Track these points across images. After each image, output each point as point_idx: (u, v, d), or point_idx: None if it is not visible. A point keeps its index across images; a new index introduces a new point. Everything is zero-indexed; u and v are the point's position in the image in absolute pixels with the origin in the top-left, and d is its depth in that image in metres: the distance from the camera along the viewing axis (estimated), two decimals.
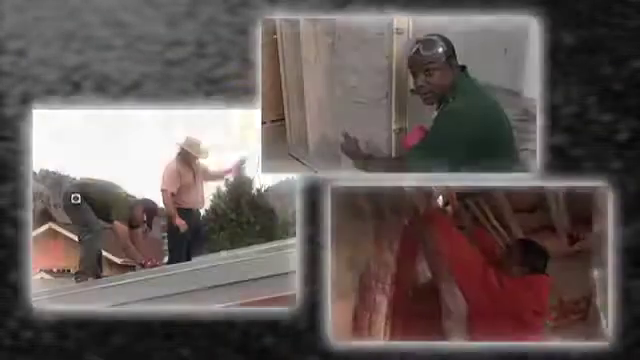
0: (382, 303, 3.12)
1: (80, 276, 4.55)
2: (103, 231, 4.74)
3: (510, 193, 3.25)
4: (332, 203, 3.04)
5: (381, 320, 3.10)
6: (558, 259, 3.23)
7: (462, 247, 3.15)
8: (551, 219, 3.31)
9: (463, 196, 3.31)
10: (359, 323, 3.09)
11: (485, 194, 3.31)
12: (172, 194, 4.81)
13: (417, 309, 3.24)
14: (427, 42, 3.07)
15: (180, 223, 4.78)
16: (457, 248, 3.15)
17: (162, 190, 4.84)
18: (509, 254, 3.23)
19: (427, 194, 3.21)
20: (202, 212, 5.18)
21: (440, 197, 3.27)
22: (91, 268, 4.60)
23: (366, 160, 3.23)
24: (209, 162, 4.98)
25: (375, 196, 3.12)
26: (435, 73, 3.07)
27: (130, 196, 4.78)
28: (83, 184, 4.74)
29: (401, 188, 3.13)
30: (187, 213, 4.96)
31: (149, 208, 4.80)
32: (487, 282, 3.07)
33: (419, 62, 3.08)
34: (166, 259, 4.92)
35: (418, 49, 3.07)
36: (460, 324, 3.22)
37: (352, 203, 3.08)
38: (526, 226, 3.34)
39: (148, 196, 4.83)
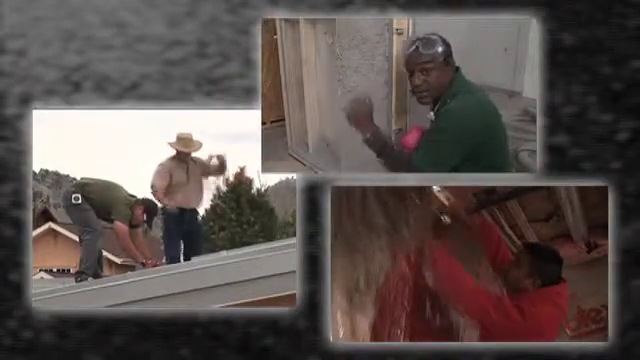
0: (401, 316, 3.09)
1: (80, 276, 4.55)
2: (103, 231, 4.74)
3: (524, 202, 3.21)
4: (332, 205, 3.04)
5: (400, 334, 3.07)
6: (576, 267, 3.17)
7: (466, 282, 3.01)
8: (567, 227, 3.25)
9: (477, 208, 3.27)
10: (379, 336, 3.05)
11: (499, 204, 3.26)
12: (160, 191, 4.82)
13: (435, 322, 3.19)
14: (427, 41, 3.04)
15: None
16: (460, 284, 3.01)
17: (150, 187, 4.86)
18: (518, 264, 3.11)
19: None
20: (202, 212, 5.18)
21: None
22: (91, 268, 4.60)
23: (385, 147, 3.13)
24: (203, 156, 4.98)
25: (390, 210, 3.10)
26: (433, 72, 3.04)
27: (130, 196, 4.79)
28: (83, 184, 4.74)
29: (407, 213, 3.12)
30: (179, 212, 4.95)
31: (149, 208, 4.80)
32: (504, 311, 2.96)
33: (416, 60, 3.06)
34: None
35: (417, 47, 3.03)
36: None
37: (367, 216, 3.06)
38: (542, 235, 3.28)
39: (148, 196, 4.84)
